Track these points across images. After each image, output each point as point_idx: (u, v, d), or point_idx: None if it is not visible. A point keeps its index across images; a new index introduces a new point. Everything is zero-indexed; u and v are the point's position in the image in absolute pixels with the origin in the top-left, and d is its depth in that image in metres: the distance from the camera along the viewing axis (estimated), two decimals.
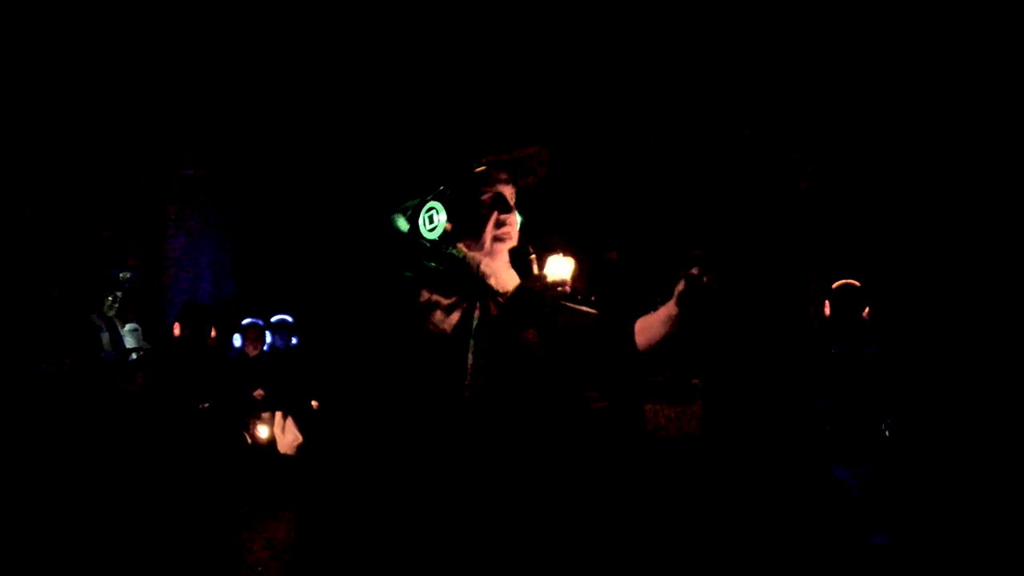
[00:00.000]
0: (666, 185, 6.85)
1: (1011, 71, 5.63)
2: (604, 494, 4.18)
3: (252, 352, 5.90)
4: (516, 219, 2.05)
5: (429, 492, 1.81)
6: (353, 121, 7.33)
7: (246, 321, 5.98)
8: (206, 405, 4.25)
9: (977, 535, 4.16)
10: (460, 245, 2.00)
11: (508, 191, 2.04)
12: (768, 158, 6.47)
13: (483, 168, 2.02)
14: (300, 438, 4.34)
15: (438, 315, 1.91)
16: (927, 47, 5.85)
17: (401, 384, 1.87)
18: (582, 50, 6.83)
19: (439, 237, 1.97)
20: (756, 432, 5.03)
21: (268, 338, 6.14)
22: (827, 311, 4.22)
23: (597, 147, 6.87)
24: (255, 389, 5.39)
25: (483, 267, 1.97)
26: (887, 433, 4.01)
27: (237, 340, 5.96)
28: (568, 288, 1.94)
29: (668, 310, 1.86)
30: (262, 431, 4.77)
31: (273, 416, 4.90)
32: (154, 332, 5.45)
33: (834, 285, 4.24)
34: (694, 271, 1.78)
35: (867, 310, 4.16)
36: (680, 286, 1.80)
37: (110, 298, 5.05)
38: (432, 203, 1.99)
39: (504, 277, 2.00)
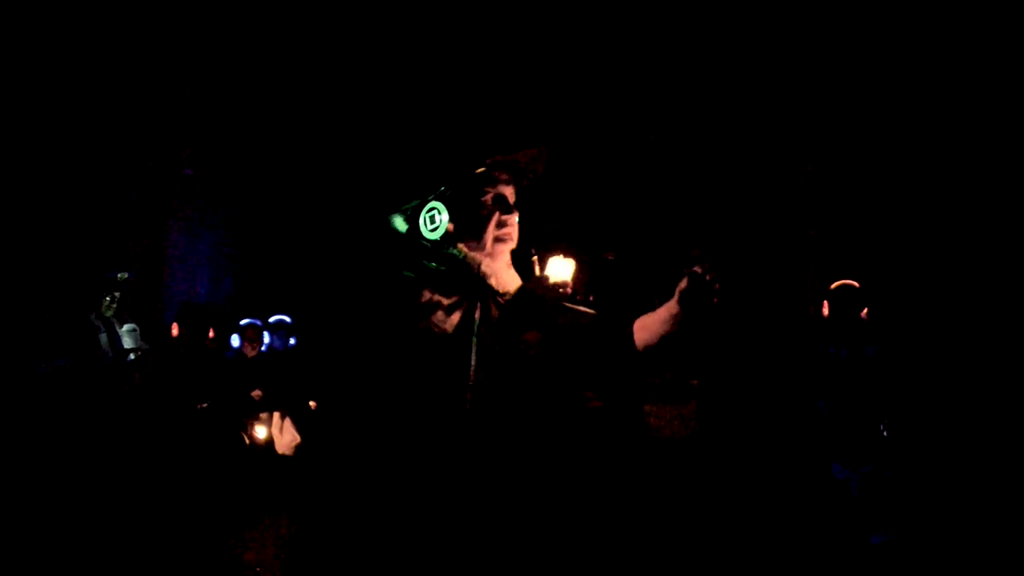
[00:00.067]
0: (664, 185, 6.85)
1: (1009, 72, 5.63)
2: (604, 495, 4.17)
3: (250, 352, 5.90)
4: (517, 219, 2.05)
5: (431, 492, 1.81)
6: (351, 122, 7.32)
7: (244, 321, 5.98)
8: (204, 406, 4.24)
9: (974, 535, 4.16)
10: (461, 245, 2.00)
11: (508, 191, 2.05)
12: (767, 158, 6.47)
13: (484, 169, 2.02)
14: (298, 438, 4.34)
15: (439, 315, 1.91)
16: (926, 47, 5.86)
17: (403, 384, 1.87)
18: (580, 50, 6.82)
19: (441, 237, 1.97)
20: (753, 433, 5.02)
21: (266, 338, 6.14)
22: (825, 311, 4.22)
23: (595, 147, 6.87)
24: (253, 390, 5.38)
25: (484, 267, 1.97)
26: (885, 433, 4.01)
27: (235, 340, 5.96)
28: (569, 289, 1.94)
29: (669, 309, 1.85)
30: (260, 431, 4.77)
31: (271, 417, 4.90)
32: (152, 332, 5.45)
33: (833, 285, 4.24)
34: (697, 269, 1.77)
35: (865, 311, 4.16)
36: (683, 284, 1.80)
37: (108, 298, 5.05)
38: (433, 203, 1.99)
39: (504, 277, 2.00)
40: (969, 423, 4.75)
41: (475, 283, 1.96)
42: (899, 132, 6.02)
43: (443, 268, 1.98)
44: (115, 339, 4.94)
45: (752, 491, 4.62)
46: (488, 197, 2.01)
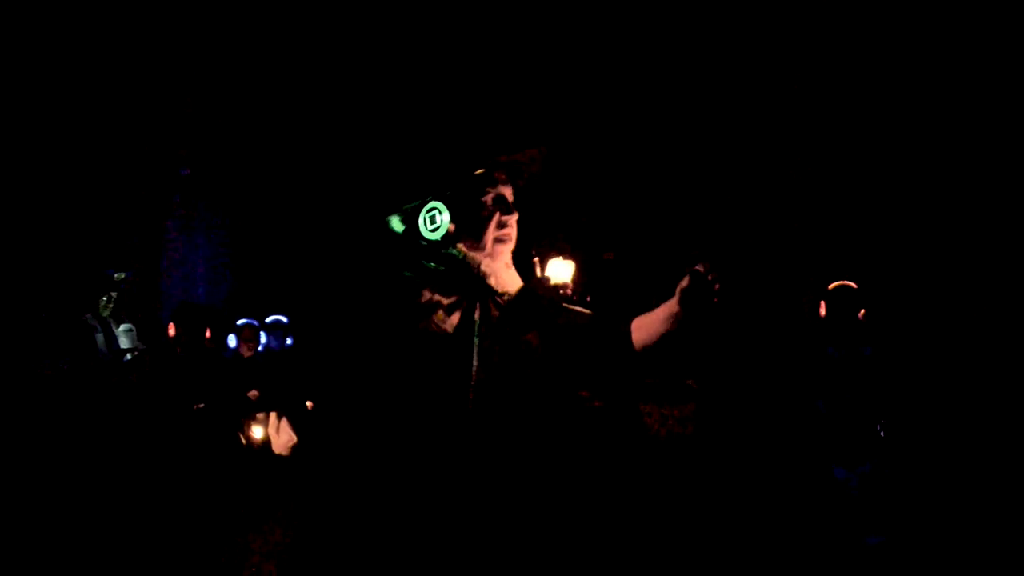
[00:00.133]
0: (663, 185, 6.85)
1: (1008, 73, 5.64)
2: (603, 495, 4.17)
3: (247, 353, 5.89)
4: (516, 220, 2.05)
5: (432, 492, 1.81)
6: (349, 123, 7.32)
7: (241, 322, 5.97)
8: (200, 406, 4.23)
9: (971, 536, 4.16)
10: (460, 245, 1.99)
11: (508, 192, 2.04)
12: (766, 159, 6.48)
13: (484, 170, 2.02)
14: (295, 439, 4.34)
15: (439, 315, 1.91)
16: (925, 48, 5.87)
17: (403, 384, 1.86)
18: (578, 51, 6.83)
19: (442, 238, 1.96)
20: (751, 434, 5.03)
21: (263, 339, 6.13)
22: (822, 312, 4.22)
23: (593, 148, 6.87)
24: (249, 390, 5.37)
25: (483, 267, 1.97)
26: (882, 434, 4.01)
27: (232, 341, 5.95)
28: (570, 290, 1.95)
29: (669, 308, 1.85)
30: (257, 432, 4.77)
31: (268, 417, 4.89)
32: (149, 333, 5.44)
33: (830, 286, 4.24)
34: (699, 268, 1.77)
35: (862, 312, 4.16)
36: (684, 282, 1.79)
37: (105, 298, 5.04)
38: (434, 203, 1.98)
39: (504, 277, 1.99)
40: (967, 423, 4.76)
41: (474, 283, 1.96)
42: (897, 133, 6.03)
43: (442, 268, 1.98)
44: (112, 339, 4.93)
45: (750, 492, 4.62)
46: (489, 197, 2.01)
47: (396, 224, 2.05)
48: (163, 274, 7.09)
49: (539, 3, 6.79)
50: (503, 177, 2.04)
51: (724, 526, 4.44)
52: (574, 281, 1.92)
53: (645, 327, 1.92)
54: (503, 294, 1.96)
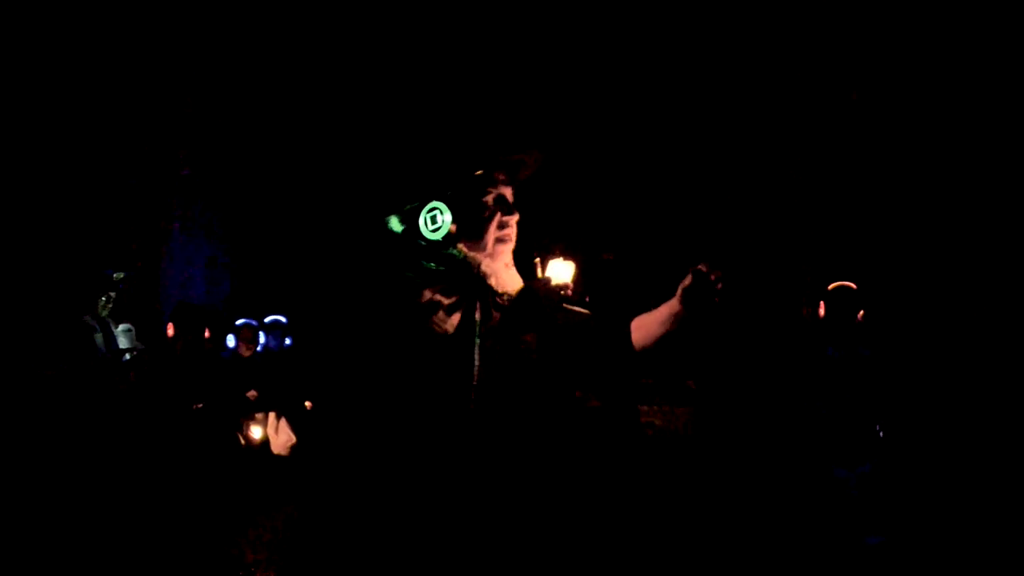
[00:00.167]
0: (662, 186, 6.86)
1: (1007, 76, 5.65)
2: (604, 495, 4.18)
3: (245, 353, 5.89)
4: (516, 220, 2.05)
5: (434, 493, 1.81)
6: (347, 123, 7.32)
7: (239, 322, 5.97)
8: (200, 406, 4.23)
9: (970, 535, 4.17)
10: (460, 245, 1.99)
11: (508, 192, 2.04)
12: (764, 160, 6.48)
13: (485, 171, 2.01)
14: (293, 438, 4.34)
15: (440, 315, 1.90)
16: (924, 48, 5.87)
17: (405, 383, 1.86)
18: (576, 51, 6.83)
19: (443, 238, 1.96)
20: (749, 434, 5.03)
21: (262, 339, 6.13)
22: (821, 312, 4.22)
23: (592, 148, 6.87)
24: (249, 390, 5.37)
25: (484, 267, 1.97)
26: (881, 434, 4.01)
27: (231, 341, 5.95)
28: (571, 291, 1.94)
29: (671, 308, 1.85)
30: (255, 432, 4.77)
31: (266, 417, 4.89)
32: (148, 333, 5.43)
33: (830, 287, 4.24)
34: (702, 267, 1.77)
35: (861, 313, 4.16)
36: (687, 281, 1.79)
37: (104, 298, 5.03)
38: (435, 204, 1.98)
39: (504, 278, 1.99)
40: (965, 424, 4.76)
41: (475, 284, 1.96)
42: (896, 135, 6.03)
43: (442, 269, 1.98)
44: (111, 339, 4.92)
45: (749, 492, 4.63)
46: (490, 198, 2.01)
47: (395, 224, 2.05)
48: (162, 274, 7.09)
49: (539, 3, 6.79)
50: (503, 177, 2.04)
51: (724, 526, 4.45)
52: (574, 281, 1.91)
53: (645, 327, 1.92)
54: (503, 294, 1.96)
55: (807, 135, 6.33)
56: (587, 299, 4.39)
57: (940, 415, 4.67)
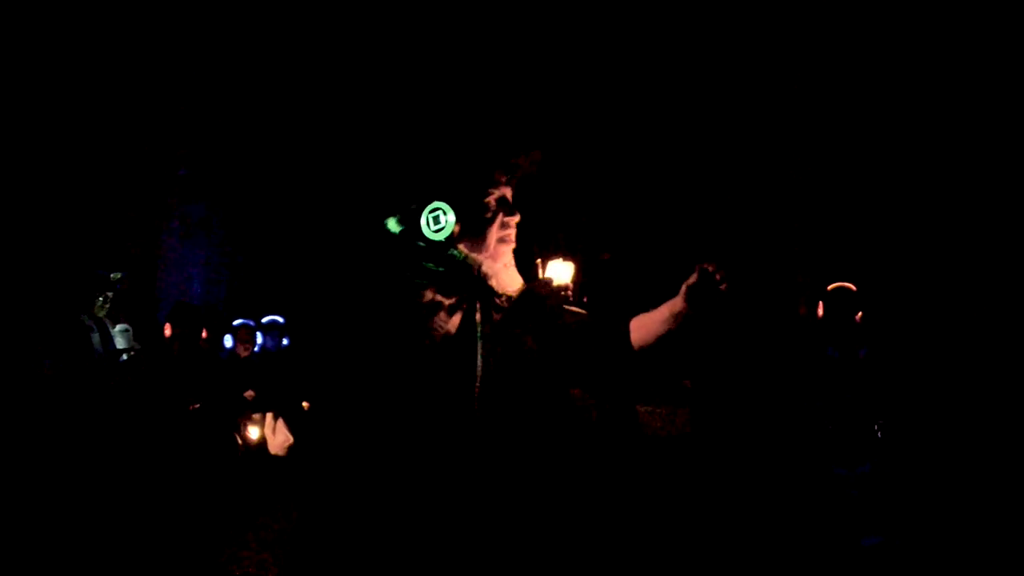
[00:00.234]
0: (661, 186, 6.85)
1: (1006, 76, 5.65)
2: (604, 495, 4.17)
3: (243, 353, 5.88)
4: (517, 221, 2.04)
5: (435, 494, 1.80)
6: (346, 123, 7.31)
7: (237, 322, 5.96)
8: (197, 406, 4.22)
9: (970, 535, 4.16)
10: (461, 246, 1.98)
11: (509, 192, 2.04)
12: (763, 160, 6.48)
13: (486, 170, 2.01)
14: (291, 439, 4.33)
15: (441, 316, 1.89)
16: (924, 49, 5.87)
17: (405, 384, 1.85)
18: (576, 52, 6.82)
19: (445, 239, 1.95)
20: (748, 434, 5.02)
21: (259, 339, 6.12)
22: (820, 312, 4.22)
23: (592, 149, 6.87)
24: (246, 390, 5.36)
25: (484, 268, 1.96)
26: (879, 435, 4.01)
27: (228, 341, 5.94)
28: (571, 292, 1.94)
29: (673, 307, 1.85)
30: (253, 432, 4.76)
31: (264, 417, 4.89)
32: (145, 333, 5.42)
33: (829, 287, 4.24)
34: (708, 266, 1.76)
35: (860, 314, 4.15)
36: (692, 279, 1.78)
37: (101, 298, 5.01)
38: (438, 204, 1.96)
39: (504, 278, 1.98)
40: (965, 424, 4.76)
41: (475, 284, 1.95)
42: (895, 135, 6.03)
43: (441, 269, 1.97)
44: (107, 339, 4.90)
45: (748, 492, 4.62)
46: (492, 199, 2.00)
47: (393, 225, 2.03)
48: (160, 274, 7.08)
49: (540, 3, 6.79)
50: (505, 178, 2.03)
51: (723, 526, 4.44)
52: (573, 282, 1.91)
53: (645, 327, 1.91)
54: (504, 295, 1.95)
55: (806, 136, 6.33)
56: (584, 299, 4.38)
57: (939, 415, 4.67)
